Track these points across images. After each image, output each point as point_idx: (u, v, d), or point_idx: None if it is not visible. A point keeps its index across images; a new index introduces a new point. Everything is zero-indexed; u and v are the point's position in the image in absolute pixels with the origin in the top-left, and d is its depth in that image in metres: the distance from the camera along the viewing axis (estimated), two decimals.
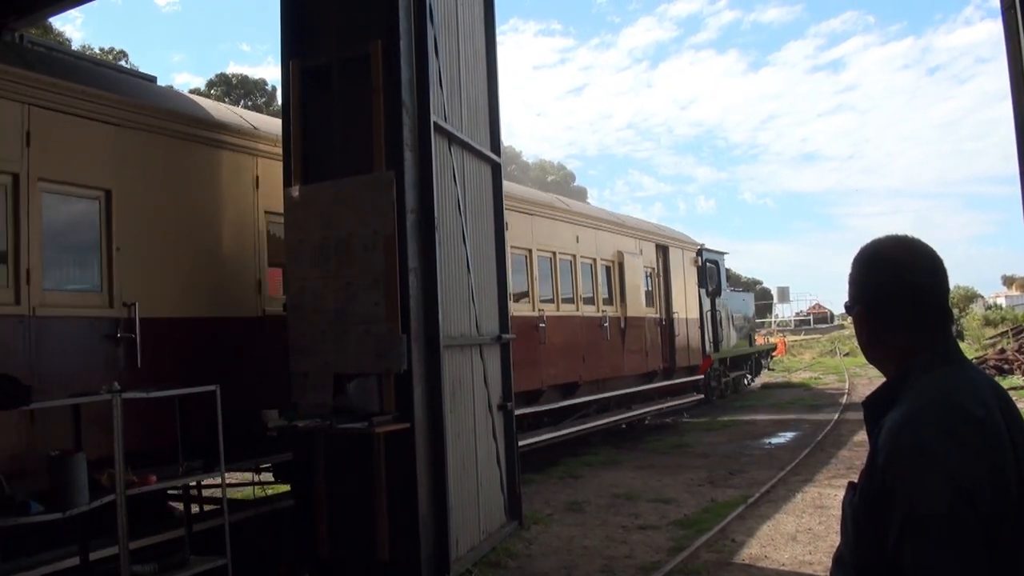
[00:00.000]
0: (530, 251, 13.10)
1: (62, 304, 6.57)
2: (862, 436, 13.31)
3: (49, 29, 29.09)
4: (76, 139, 6.74)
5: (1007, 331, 34.96)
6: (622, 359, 15.73)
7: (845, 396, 22.23)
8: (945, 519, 1.59)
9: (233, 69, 59.02)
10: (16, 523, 5.19)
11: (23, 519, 5.19)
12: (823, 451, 13.59)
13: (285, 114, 7.63)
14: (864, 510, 1.79)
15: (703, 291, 20.41)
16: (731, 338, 23.10)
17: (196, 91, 52.50)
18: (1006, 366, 24.60)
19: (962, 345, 30.58)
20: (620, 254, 16.04)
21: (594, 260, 15.17)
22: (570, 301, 14.25)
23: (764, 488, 10.52)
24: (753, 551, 7.89)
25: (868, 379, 25.40)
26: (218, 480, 6.61)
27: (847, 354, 40.88)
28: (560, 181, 78.18)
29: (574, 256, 14.45)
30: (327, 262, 7.12)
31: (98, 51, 43.78)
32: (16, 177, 6.21)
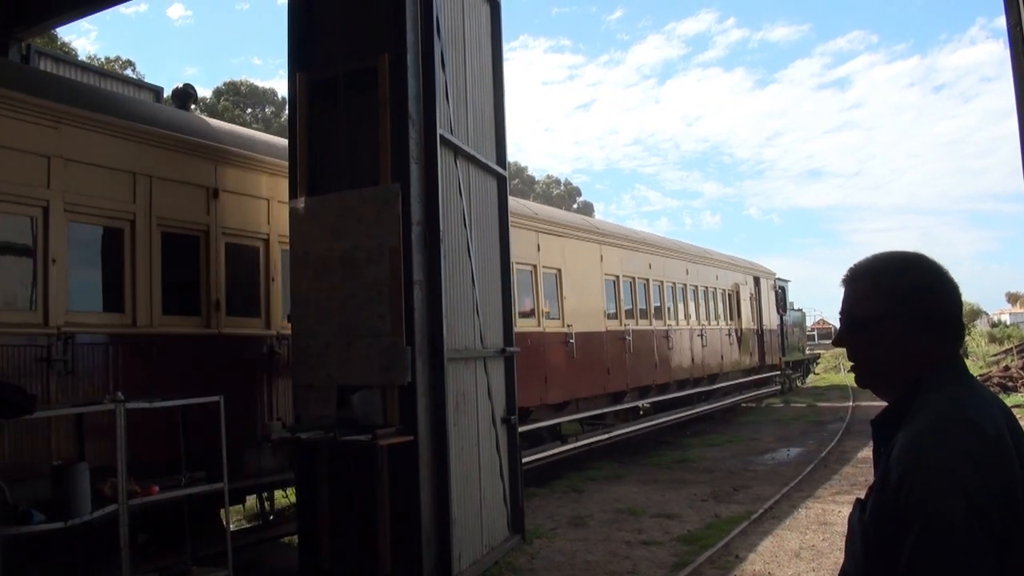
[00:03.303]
0: (696, 287, 20.01)
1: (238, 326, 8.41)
2: (866, 453, 13.23)
3: (54, 39, 29.27)
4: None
5: (1011, 348, 34.90)
6: (739, 357, 22.79)
7: (849, 412, 22.15)
8: (961, 537, 1.58)
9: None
10: (18, 533, 5.19)
11: (25, 528, 5.18)
12: (827, 467, 13.53)
13: (292, 126, 7.67)
14: (875, 527, 1.78)
15: (776, 309, 27.34)
16: (793, 347, 30.23)
17: (203, 100, 52.75)
18: (1010, 383, 24.50)
19: (966, 362, 30.55)
20: (736, 285, 23.07)
21: (724, 290, 22.14)
22: (715, 318, 21.18)
23: (768, 504, 10.47)
24: (757, 567, 7.85)
25: (873, 395, 25.34)
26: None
27: (851, 370, 40.78)
28: (565, 196, 78.27)
29: (715, 288, 21.39)
30: (332, 274, 7.13)
31: (103, 60, 43.99)
32: (207, 231, 8.17)
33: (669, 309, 18.19)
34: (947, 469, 1.65)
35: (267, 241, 8.82)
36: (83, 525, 5.46)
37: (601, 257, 15.17)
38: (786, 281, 29.36)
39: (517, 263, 11.84)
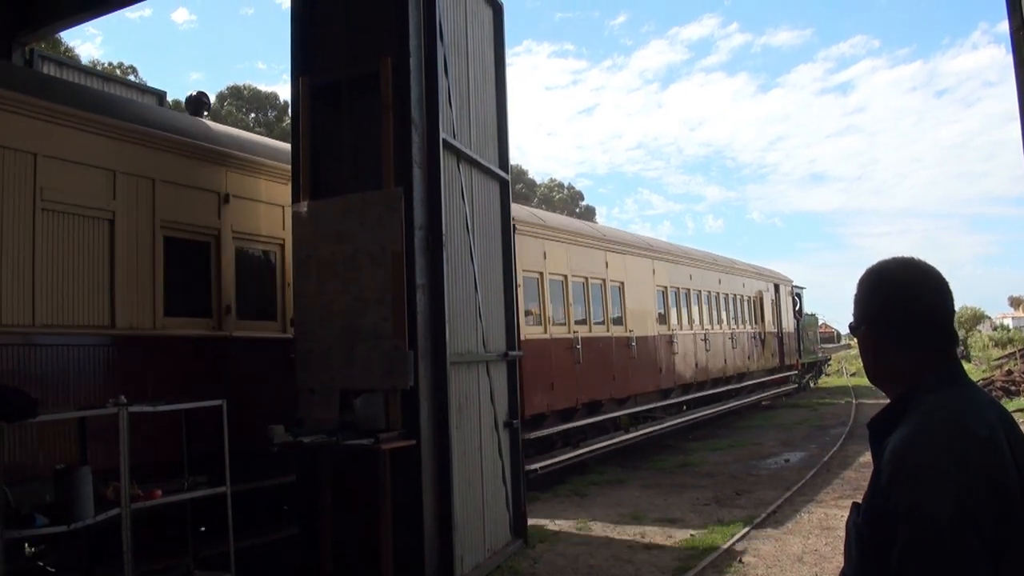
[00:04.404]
0: (728, 295, 22.33)
1: None
2: (868, 457, 13.09)
3: (58, 43, 29.23)
4: None
5: (1014, 352, 34.81)
6: (762, 359, 25.31)
7: (851, 417, 22.13)
8: (948, 537, 1.59)
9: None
10: (20, 536, 5.19)
11: (28, 531, 5.19)
12: (829, 472, 13.51)
13: (295, 129, 7.69)
14: (868, 528, 1.79)
15: (793, 314, 29.60)
16: (807, 349, 32.47)
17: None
18: (1013, 387, 24.39)
19: (969, 366, 30.78)
20: (759, 292, 25.52)
21: (749, 297, 24.51)
22: (743, 323, 23.58)
23: (770, 508, 10.46)
24: (760, 572, 7.84)
25: (874, 399, 25.33)
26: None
27: (853, 374, 40.75)
28: (567, 199, 78.17)
29: (742, 296, 23.82)
30: (335, 278, 7.14)
31: (107, 65, 43.99)
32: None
33: (707, 315, 20.58)
34: (937, 470, 1.66)
35: None
36: (85, 529, 5.47)
37: (653, 270, 17.53)
38: (802, 288, 32.03)
39: (590, 277, 14.44)
